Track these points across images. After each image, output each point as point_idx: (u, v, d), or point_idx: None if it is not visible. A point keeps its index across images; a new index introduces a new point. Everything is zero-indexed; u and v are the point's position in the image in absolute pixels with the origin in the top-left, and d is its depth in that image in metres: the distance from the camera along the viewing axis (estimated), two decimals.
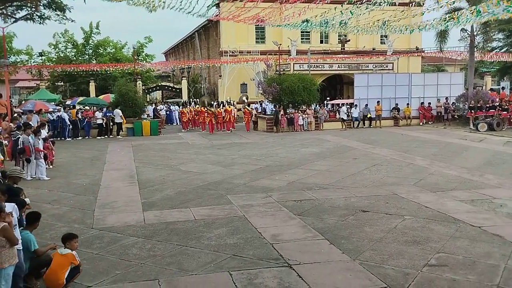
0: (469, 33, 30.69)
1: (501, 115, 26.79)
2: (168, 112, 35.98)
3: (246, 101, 34.44)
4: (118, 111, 26.29)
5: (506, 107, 27.94)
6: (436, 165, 15.65)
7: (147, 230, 9.06)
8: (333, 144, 21.49)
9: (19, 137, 14.71)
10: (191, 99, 38.34)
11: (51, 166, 15.93)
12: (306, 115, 28.39)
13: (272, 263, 7.33)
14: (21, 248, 6.10)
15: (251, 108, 31.17)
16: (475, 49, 31.67)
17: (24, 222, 6.75)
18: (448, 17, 16.20)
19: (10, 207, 6.08)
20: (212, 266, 7.24)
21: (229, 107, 29.56)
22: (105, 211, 10.50)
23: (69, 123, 25.05)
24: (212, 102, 34.12)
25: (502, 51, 47.56)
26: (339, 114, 30.19)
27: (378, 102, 29.77)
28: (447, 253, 7.62)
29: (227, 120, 28.27)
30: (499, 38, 47.45)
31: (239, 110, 32.53)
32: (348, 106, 31.12)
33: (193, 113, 30.70)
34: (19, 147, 14.30)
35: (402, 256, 7.53)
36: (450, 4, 18.05)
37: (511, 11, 12.40)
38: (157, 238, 8.57)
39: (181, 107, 34.89)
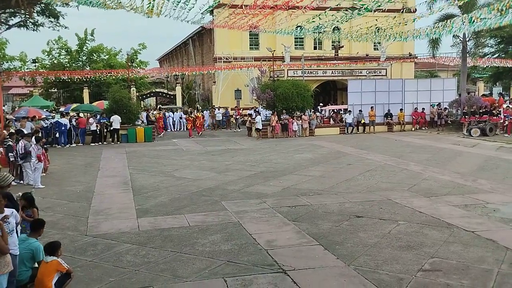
0: (461, 39, 30.96)
1: (491, 120, 26.98)
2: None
3: (199, 108, 36.52)
4: (118, 117, 26.27)
5: (498, 112, 28.17)
6: (430, 171, 15.73)
7: (141, 237, 9.04)
8: (327, 150, 21.54)
9: (10, 144, 14.63)
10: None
11: (44, 174, 15.85)
12: (301, 121, 28.46)
13: (267, 269, 7.33)
14: (18, 253, 6.06)
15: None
16: (468, 55, 31.94)
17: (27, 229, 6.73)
18: (442, 25, 16.30)
19: (8, 212, 6.06)
20: (206, 273, 7.23)
21: (199, 113, 32.34)
22: (99, 218, 10.46)
23: (68, 127, 24.96)
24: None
25: (494, 56, 47.97)
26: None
27: (371, 107, 29.90)
28: (441, 258, 7.65)
29: (198, 125, 31.15)
30: (491, 44, 47.88)
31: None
32: (342, 112, 31.20)
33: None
34: (22, 152, 14.18)
35: (396, 261, 7.55)
36: (440, 11, 18.18)
37: (503, 21, 12.52)
38: (151, 245, 8.55)
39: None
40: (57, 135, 24.73)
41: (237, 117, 35.79)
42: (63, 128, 24.87)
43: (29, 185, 14.05)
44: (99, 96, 40.24)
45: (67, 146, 24.76)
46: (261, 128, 27.76)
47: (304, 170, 16.34)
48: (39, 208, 11.26)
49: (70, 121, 25.65)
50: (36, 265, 6.44)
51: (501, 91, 47.13)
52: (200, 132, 30.95)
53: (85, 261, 7.77)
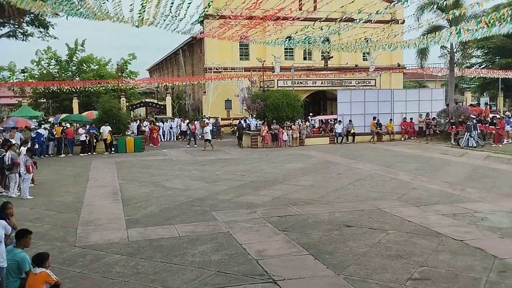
0: (449, 50, 31.34)
1: (486, 130, 27.26)
2: None
3: (157, 118, 37.52)
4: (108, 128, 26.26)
5: (488, 121, 28.51)
6: (419, 180, 15.84)
7: (131, 248, 8.99)
8: (317, 160, 21.61)
9: (4, 155, 14.47)
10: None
11: (32, 184, 15.69)
12: (291, 131, 28.55)
13: (257, 279, 7.32)
14: (5, 265, 6.00)
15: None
16: (455, 66, 32.30)
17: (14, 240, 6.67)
18: (430, 37, 16.51)
19: None
20: (196, 283, 7.21)
21: (156, 125, 32.79)
22: (88, 229, 10.39)
23: (44, 139, 24.79)
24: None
25: (481, 67, 48.59)
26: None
27: (374, 117, 30.11)
28: (430, 267, 7.70)
29: (152, 137, 31.19)
30: (478, 54, 48.53)
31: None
32: (332, 122, 31.36)
33: None
34: (7, 163, 14.03)
35: (386, 270, 7.58)
36: (430, 24, 18.45)
37: (490, 32, 12.71)
38: (141, 256, 8.51)
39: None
40: (36, 145, 24.45)
41: (194, 131, 30.30)
42: (42, 139, 24.67)
43: (18, 196, 13.93)
44: (88, 106, 40.00)
45: (43, 157, 24.53)
46: (210, 138, 27.39)
47: (294, 179, 16.37)
48: (27, 219, 11.26)
49: (62, 131, 25.49)
50: (24, 275, 6.38)
51: (487, 101, 47.70)
52: (157, 145, 30.44)
53: (74, 272, 7.70)
